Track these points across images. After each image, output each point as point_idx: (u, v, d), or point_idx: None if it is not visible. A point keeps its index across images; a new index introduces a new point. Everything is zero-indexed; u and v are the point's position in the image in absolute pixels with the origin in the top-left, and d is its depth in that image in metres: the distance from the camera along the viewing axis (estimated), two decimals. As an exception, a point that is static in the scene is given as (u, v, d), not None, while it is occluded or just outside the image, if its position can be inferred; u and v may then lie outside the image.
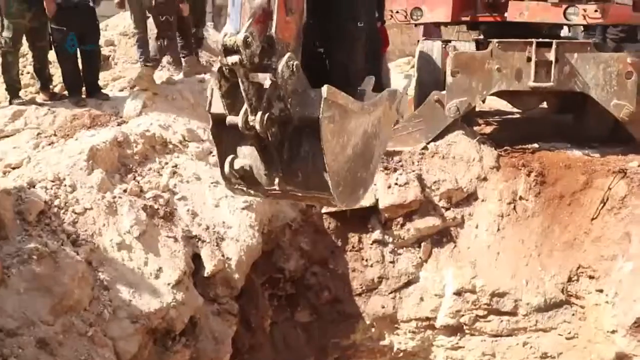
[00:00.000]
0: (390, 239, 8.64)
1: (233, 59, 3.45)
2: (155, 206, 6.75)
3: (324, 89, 3.74)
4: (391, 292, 8.58)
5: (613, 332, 7.59)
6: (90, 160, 6.64)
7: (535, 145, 9.22)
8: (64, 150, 6.88)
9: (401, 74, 14.35)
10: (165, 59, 9.37)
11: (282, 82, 3.62)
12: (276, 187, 3.95)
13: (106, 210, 6.33)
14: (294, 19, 3.88)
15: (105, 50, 9.45)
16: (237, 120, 3.63)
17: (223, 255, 6.95)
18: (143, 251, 6.24)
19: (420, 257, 8.65)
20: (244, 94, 3.57)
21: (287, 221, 8.25)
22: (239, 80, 3.53)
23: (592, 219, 8.12)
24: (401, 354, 8.93)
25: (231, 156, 3.78)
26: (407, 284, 8.60)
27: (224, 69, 3.54)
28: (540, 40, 8.83)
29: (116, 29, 10.05)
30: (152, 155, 7.35)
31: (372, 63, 4.67)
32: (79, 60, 8.27)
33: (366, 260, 8.60)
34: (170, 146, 7.59)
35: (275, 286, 8.21)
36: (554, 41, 8.81)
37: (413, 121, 9.36)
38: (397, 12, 9.83)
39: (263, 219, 7.62)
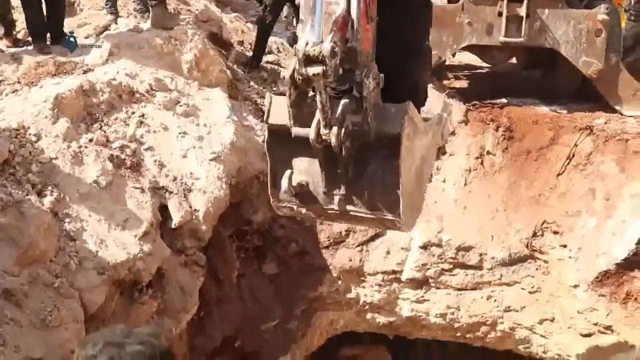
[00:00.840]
0: (359, 192, 8.63)
1: (316, 69, 3.31)
2: (122, 156, 6.66)
3: (408, 105, 3.70)
4: (358, 245, 8.62)
5: (575, 286, 7.73)
6: (55, 109, 6.50)
7: (504, 101, 9.25)
8: (28, 99, 6.71)
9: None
10: (132, 6, 9.17)
11: (367, 95, 3.51)
12: (335, 207, 3.74)
13: (72, 160, 6.23)
14: (372, 27, 3.71)
15: (69, -4, 9.21)
16: (308, 132, 3.52)
17: (190, 207, 6.90)
18: (110, 202, 6.16)
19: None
20: (320, 105, 3.45)
21: (255, 173, 8.20)
22: (318, 91, 3.41)
23: (558, 174, 8.20)
24: (367, 307, 9.02)
25: (290, 171, 3.66)
26: (374, 237, 8.64)
27: (297, 78, 3.37)
28: (512, -6, 8.80)
29: (81, -27, 9.78)
30: (118, 105, 7.21)
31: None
32: (43, 6, 8.04)
33: (334, 214, 8.61)
34: (137, 95, 7.44)
35: (243, 238, 8.20)
36: (526, -4, 8.79)
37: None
38: None
39: (231, 171, 7.56)
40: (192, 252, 6.92)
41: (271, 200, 3.82)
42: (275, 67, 10.27)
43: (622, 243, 7.28)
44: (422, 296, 8.84)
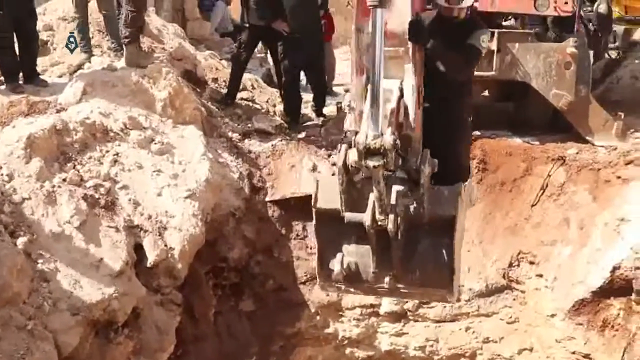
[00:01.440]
0: (335, 226, 8.65)
1: (377, 162, 3.52)
2: (96, 195, 6.63)
3: (460, 188, 4.12)
4: (336, 280, 8.59)
5: (553, 315, 7.76)
6: (28, 148, 6.49)
7: (477, 133, 9.31)
8: (1, 139, 6.70)
9: (347, 61, 14.33)
10: (106, 45, 9.20)
11: (424, 182, 3.78)
12: (385, 285, 3.99)
13: (45, 200, 6.20)
14: (421, 112, 4.02)
15: (43, 35, 9.20)
16: (362, 218, 3.76)
17: (166, 245, 6.87)
18: (84, 241, 6.12)
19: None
20: (377, 194, 3.68)
21: (230, 209, 8.19)
22: (376, 181, 3.65)
23: (532, 205, 8.26)
24: (346, 342, 8.97)
25: (341, 254, 3.96)
26: (352, 271, 8.62)
27: (350, 166, 3.67)
28: (483, 29, 8.91)
29: (55, 13, 9.79)
30: (92, 144, 7.20)
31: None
32: (16, 45, 8.04)
33: (311, 248, 8.59)
34: (112, 134, 7.44)
35: (219, 275, 8.15)
36: (496, 31, 8.92)
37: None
38: None
39: (206, 208, 7.55)
40: (168, 290, 6.87)
41: (318, 280, 4.20)
42: (250, 103, 10.31)
43: (597, 271, 7.32)
44: (401, 329, 8.80)
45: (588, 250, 7.56)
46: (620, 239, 7.29)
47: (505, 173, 8.57)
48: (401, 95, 3.82)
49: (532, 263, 8.08)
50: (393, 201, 3.80)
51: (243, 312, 8.35)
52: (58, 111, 7.37)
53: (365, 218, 3.81)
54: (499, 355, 8.27)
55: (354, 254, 4.00)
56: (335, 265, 4.04)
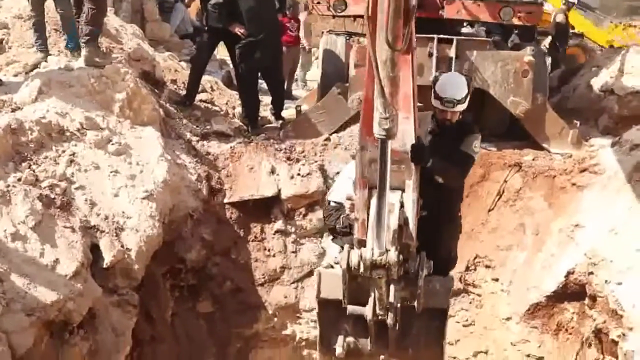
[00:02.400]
0: (293, 229, 8.67)
1: (380, 273, 3.99)
2: (52, 195, 6.53)
3: (452, 282, 5.01)
4: (293, 282, 8.61)
5: (508, 319, 7.88)
6: (-18, 148, 6.37)
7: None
8: (-46, 137, 6.57)
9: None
10: (63, 44, 9.08)
11: (421, 284, 4.23)
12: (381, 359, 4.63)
13: (-1, 200, 6.09)
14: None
15: (-2, 33, 9.07)
16: (364, 311, 4.31)
17: (122, 246, 6.79)
18: (39, 242, 6.01)
19: (322, 247, 8.71)
20: (377, 294, 4.16)
21: (188, 211, 8.15)
22: (378, 286, 4.13)
23: (489, 210, 8.38)
24: (303, 343, 8.97)
25: (342, 337, 4.56)
26: (309, 273, 8.64)
27: (353, 270, 4.03)
28: (442, 36, 9.01)
29: (10, 11, 9.63)
30: (48, 143, 7.09)
31: None
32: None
33: (269, 250, 8.60)
34: (68, 134, 7.33)
35: (177, 277, 8.10)
36: (455, 38, 9.02)
37: (316, 112, 9.42)
38: (319, 2, 9.81)
39: (164, 209, 7.49)
40: (125, 291, 6.80)
41: (318, 354, 4.87)
42: (209, 105, 10.29)
43: (552, 276, 7.45)
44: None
45: (543, 255, 7.69)
46: (574, 244, 7.43)
47: (463, 178, 8.66)
48: (402, 206, 4.20)
49: (488, 267, 8.19)
50: (392, 299, 4.21)
51: (200, 313, 8.32)
52: (13, 110, 7.25)
53: (367, 312, 4.31)
54: (454, 357, 8.34)
55: (352, 334, 4.59)
56: (337, 347, 4.62)
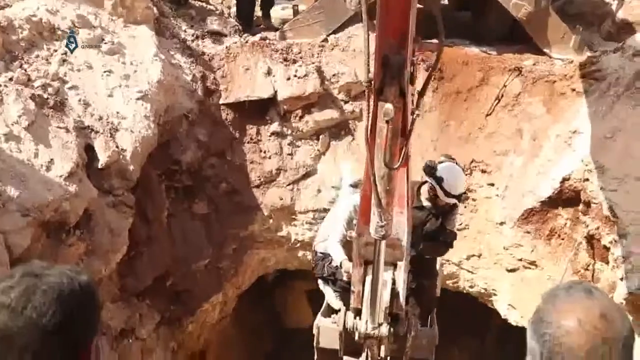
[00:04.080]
0: (289, 131, 8.63)
1: (373, 342, 4.74)
2: (45, 95, 6.44)
3: (436, 337, 6.03)
4: (289, 184, 8.62)
5: (502, 223, 7.93)
6: (-29, 45, 6.24)
7: (435, 41, 9.22)
8: (-57, 34, 6.42)
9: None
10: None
11: (409, 345, 4.96)
12: None
13: (-9, 100, 6.00)
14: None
15: None
16: None
17: (117, 147, 6.76)
18: (33, 142, 5.98)
19: (318, 150, 8.69)
20: (370, 353, 4.87)
21: (183, 112, 8.07)
22: (371, 346, 4.83)
23: (487, 115, 8.30)
24: (298, 244, 9.07)
25: None
26: (305, 176, 8.66)
27: (349, 330, 4.78)
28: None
29: None
30: (39, 42, 6.95)
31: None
32: None
33: (264, 152, 8.58)
34: (59, 32, 7.18)
35: (172, 178, 8.10)
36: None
37: (313, 13, 9.21)
38: None
39: (158, 110, 7.42)
40: (120, 192, 6.81)
41: None
42: (204, 4, 10.03)
43: (548, 182, 7.46)
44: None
45: (539, 161, 7.67)
46: (571, 150, 7.40)
47: (461, 82, 8.56)
48: (394, 283, 4.83)
49: (484, 172, 8.18)
50: (383, 354, 4.89)
51: (196, 214, 8.35)
52: (2, 7, 7.06)
53: None
54: (447, 260, 8.44)
55: None
56: None
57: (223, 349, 10.57)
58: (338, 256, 6.08)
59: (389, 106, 3.41)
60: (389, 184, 3.83)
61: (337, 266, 6.15)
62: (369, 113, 3.73)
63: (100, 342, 2.05)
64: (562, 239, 7.42)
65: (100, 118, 6.77)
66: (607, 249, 6.63)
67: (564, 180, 7.26)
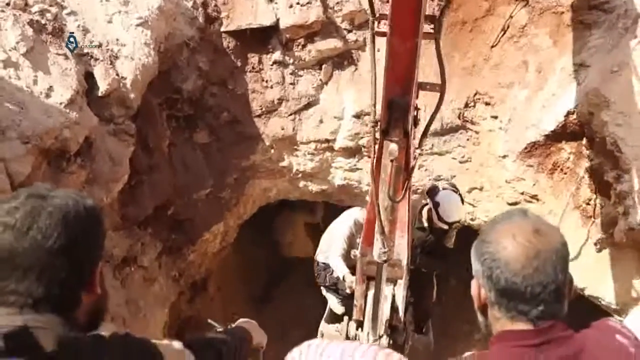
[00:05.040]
0: (291, 60, 8.52)
1: None
2: (43, 21, 6.31)
3: (432, 343, 6.63)
4: (291, 114, 8.56)
5: (504, 157, 7.89)
6: (-33, -32, 6.08)
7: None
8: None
9: None
10: None
11: (406, 351, 5.22)
12: None
13: (-12, 25, 5.89)
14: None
15: None
16: None
17: (117, 74, 6.68)
18: (31, 69, 5.88)
19: (320, 79, 8.60)
20: None
21: (184, 39, 7.95)
22: None
23: (492, 46, 8.17)
24: (300, 175, 9.07)
25: None
26: (307, 105, 8.59)
27: (351, 339, 5.00)
28: None
29: None
30: (35, -35, 6.78)
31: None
32: None
33: (266, 82, 8.49)
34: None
35: (173, 107, 8.04)
36: None
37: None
38: None
39: (159, 37, 7.31)
40: (121, 120, 6.76)
41: None
42: None
43: (551, 115, 7.37)
44: (355, 165, 8.91)
45: (544, 94, 7.57)
46: (576, 84, 7.29)
47: (467, 12, 8.39)
48: (393, 300, 5.29)
49: (487, 104, 8.10)
50: None
51: (197, 144, 8.32)
52: None
53: None
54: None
55: None
56: None
57: (224, 277, 10.68)
58: (340, 269, 6.81)
59: (394, 146, 3.70)
60: (392, 215, 4.20)
61: (338, 277, 6.92)
62: (374, 151, 4.04)
63: (103, 269, 2.05)
64: (565, 173, 7.38)
65: (100, 45, 6.66)
66: (610, 184, 6.61)
67: (569, 114, 7.17)
